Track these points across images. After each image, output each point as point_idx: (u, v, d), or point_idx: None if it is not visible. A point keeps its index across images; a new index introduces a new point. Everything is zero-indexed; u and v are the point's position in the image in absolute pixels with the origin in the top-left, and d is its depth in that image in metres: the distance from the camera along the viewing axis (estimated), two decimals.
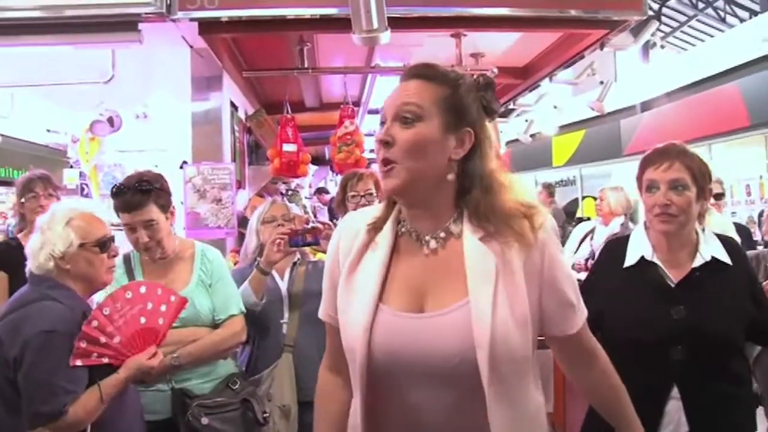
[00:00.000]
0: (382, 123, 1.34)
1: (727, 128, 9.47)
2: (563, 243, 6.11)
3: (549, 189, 8.74)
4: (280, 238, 2.76)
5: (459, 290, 1.28)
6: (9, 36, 3.40)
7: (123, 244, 2.36)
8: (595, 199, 7.65)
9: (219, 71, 4.49)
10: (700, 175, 2.00)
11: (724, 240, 2.09)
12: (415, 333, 1.27)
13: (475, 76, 1.39)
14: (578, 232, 6.36)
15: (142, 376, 2.06)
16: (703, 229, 2.08)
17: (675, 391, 1.91)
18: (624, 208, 5.66)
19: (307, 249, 3.05)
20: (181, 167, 4.41)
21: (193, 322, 2.34)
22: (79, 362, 1.92)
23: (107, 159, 5.94)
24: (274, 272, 2.88)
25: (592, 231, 6.28)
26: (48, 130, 7.56)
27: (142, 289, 2.13)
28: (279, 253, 2.76)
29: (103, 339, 1.98)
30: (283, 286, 2.92)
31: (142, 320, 2.08)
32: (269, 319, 2.85)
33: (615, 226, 5.50)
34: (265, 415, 2.42)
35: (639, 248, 2.09)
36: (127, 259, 2.43)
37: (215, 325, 2.40)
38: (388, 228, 1.38)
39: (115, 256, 2.14)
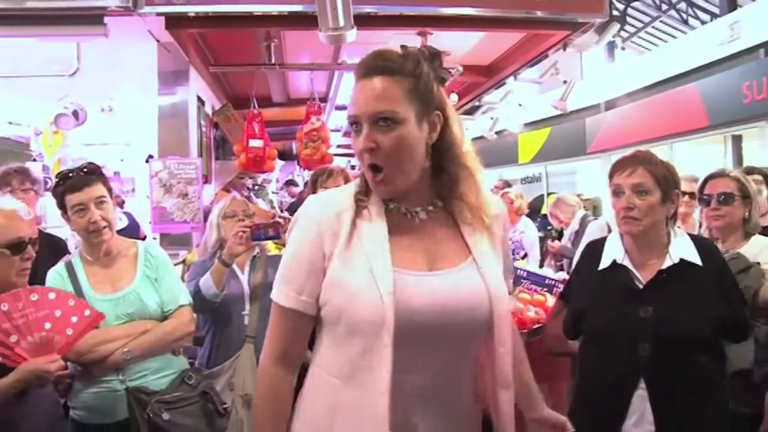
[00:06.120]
0: (355, 124, 1.37)
1: (687, 128, 9.70)
2: None
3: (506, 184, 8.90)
4: (243, 232, 2.84)
5: (461, 251, 1.43)
6: None
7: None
8: None
9: (186, 66, 4.47)
10: (664, 180, 2.10)
11: (700, 241, 2.18)
12: (436, 290, 1.36)
13: (422, 50, 1.43)
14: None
15: (37, 381, 1.95)
16: (676, 232, 2.17)
17: (642, 384, 2.02)
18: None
19: (266, 243, 3.11)
20: (147, 161, 4.41)
21: (141, 316, 2.35)
22: None
23: (71, 152, 5.87)
24: (234, 266, 2.95)
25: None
26: (10, 122, 7.41)
27: (51, 295, 2.05)
28: (241, 245, 2.84)
29: None
30: (243, 279, 2.99)
31: (47, 325, 1.99)
32: (231, 311, 2.92)
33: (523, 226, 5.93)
34: (224, 406, 2.45)
35: (612, 252, 2.21)
36: (69, 265, 2.39)
37: (164, 318, 2.41)
38: (375, 204, 1.42)
39: (29, 259, 2.06)
